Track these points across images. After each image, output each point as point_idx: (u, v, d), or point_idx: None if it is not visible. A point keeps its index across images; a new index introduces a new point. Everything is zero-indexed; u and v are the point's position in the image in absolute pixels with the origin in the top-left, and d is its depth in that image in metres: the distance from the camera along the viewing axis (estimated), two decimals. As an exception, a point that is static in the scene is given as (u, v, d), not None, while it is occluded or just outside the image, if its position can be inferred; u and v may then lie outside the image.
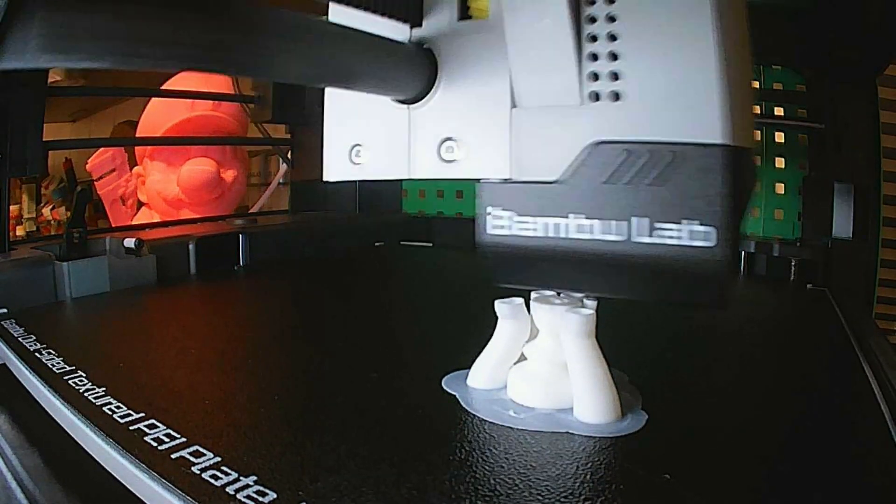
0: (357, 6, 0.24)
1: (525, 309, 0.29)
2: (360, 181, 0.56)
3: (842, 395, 0.32)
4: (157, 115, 1.03)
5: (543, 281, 0.26)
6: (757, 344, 0.43)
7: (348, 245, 0.78)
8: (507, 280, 0.26)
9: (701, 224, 0.21)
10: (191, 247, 0.60)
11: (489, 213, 0.25)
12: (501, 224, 0.25)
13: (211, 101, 1.00)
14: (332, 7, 0.25)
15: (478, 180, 0.26)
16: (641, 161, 0.22)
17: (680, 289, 0.23)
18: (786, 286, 0.62)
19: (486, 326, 0.30)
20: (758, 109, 0.69)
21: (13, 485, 0.27)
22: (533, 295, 0.29)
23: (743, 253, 0.65)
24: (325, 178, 0.30)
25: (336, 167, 0.30)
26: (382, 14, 0.25)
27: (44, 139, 0.56)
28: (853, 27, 0.59)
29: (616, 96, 0.22)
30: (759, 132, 0.69)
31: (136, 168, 1.12)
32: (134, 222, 1.07)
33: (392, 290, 0.60)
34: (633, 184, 0.22)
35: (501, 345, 0.30)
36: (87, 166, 1.18)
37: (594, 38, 0.22)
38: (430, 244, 0.85)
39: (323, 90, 0.30)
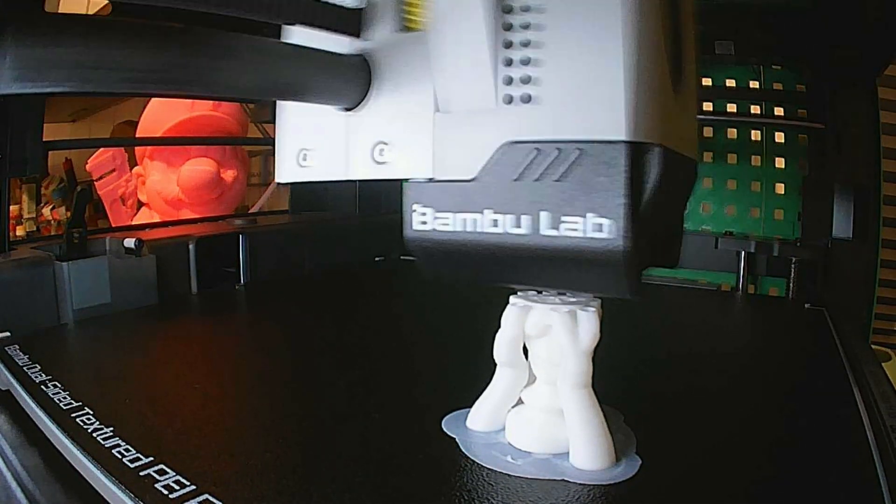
0: (299, 24, 0.26)
1: (524, 357, 0.30)
2: (359, 182, 0.56)
3: (836, 434, 0.32)
4: (157, 115, 1.03)
5: (463, 273, 0.27)
6: (752, 374, 0.42)
7: (348, 246, 0.78)
8: (434, 273, 0.27)
9: (600, 216, 0.22)
10: (190, 247, 0.60)
11: (413, 210, 0.26)
12: (424, 220, 0.26)
13: (211, 101, 1.00)
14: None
15: (406, 180, 0.27)
16: (549, 159, 0.23)
17: (589, 279, 0.24)
18: (784, 305, 0.62)
19: (486, 354, 0.30)
20: (758, 109, 0.69)
21: (13, 485, 0.27)
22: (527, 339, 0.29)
23: (743, 253, 0.65)
24: (276, 180, 0.32)
25: (286, 170, 0.31)
26: (320, 28, 0.27)
27: (44, 139, 0.56)
28: (853, 27, 0.59)
29: (529, 99, 0.23)
30: (758, 132, 0.69)
31: (136, 168, 1.12)
32: (134, 222, 1.07)
33: (393, 313, 0.59)
34: (541, 180, 0.23)
35: (500, 389, 0.30)
36: (87, 166, 1.18)
37: (509, 45, 0.23)
38: None
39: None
